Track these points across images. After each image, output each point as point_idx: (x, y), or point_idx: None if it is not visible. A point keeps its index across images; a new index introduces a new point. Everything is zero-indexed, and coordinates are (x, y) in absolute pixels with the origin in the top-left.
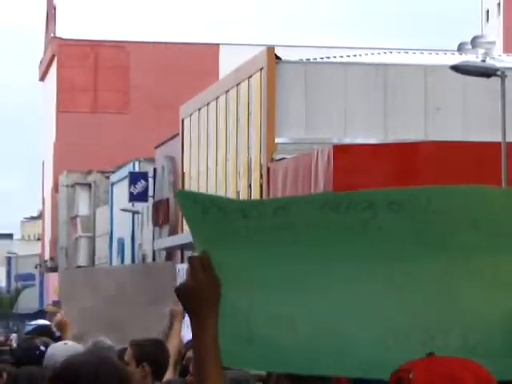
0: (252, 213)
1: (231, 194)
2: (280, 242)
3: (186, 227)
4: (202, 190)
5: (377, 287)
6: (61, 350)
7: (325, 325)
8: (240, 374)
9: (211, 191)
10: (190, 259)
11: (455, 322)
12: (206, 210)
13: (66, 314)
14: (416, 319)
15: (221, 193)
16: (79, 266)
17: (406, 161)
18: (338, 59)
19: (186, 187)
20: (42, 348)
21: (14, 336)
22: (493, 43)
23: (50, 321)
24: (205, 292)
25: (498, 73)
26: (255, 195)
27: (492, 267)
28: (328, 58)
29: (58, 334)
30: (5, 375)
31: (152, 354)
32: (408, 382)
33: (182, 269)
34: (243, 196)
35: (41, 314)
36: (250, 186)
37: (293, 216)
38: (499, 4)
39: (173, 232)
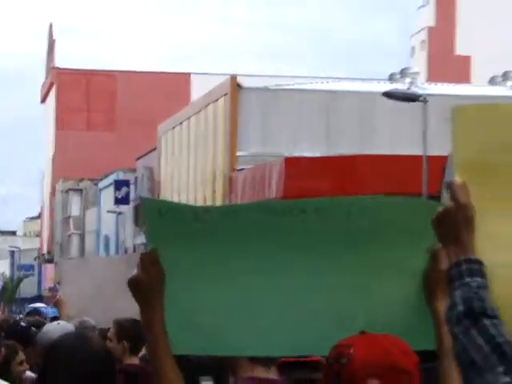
0: (203, 217)
1: (200, 199)
2: (222, 242)
3: None
4: (175, 195)
5: (302, 277)
6: (54, 328)
7: (256, 311)
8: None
9: (183, 196)
10: (141, 255)
11: (361, 308)
12: (162, 213)
13: (63, 295)
14: (331, 305)
15: (191, 197)
16: (71, 258)
17: (344, 171)
18: (289, 86)
19: (162, 193)
20: (23, 324)
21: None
22: (417, 74)
23: (46, 304)
24: (151, 284)
25: (421, 98)
26: (220, 199)
27: (395, 260)
28: (280, 85)
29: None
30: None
31: (131, 331)
32: (348, 356)
33: None
34: (210, 199)
35: (39, 298)
36: (214, 191)
37: (235, 220)
38: (423, 41)
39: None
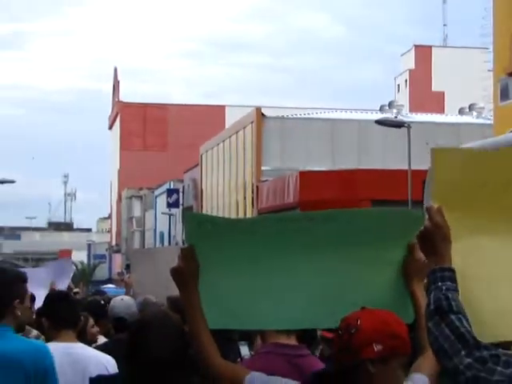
0: (230, 224)
1: (233, 203)
2: (247, 240)
3: None
4: (214, 201)
5: (313, 268)
6: (119, 303)
7: (277, 294)
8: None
9: (220, 201)
10: (181, 250)
11: (358, 290)
12: (200, 223)
13: (131, 277)
14: (336, 289)
15: (226, 201)
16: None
17: (346, 181)
18: (301, 116)
19: (204, 198)
20: (98, 299)
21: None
22: (402, 106)
23: (115, 285)
24: (188, 272)
25: (405, 125)
26: (249, 203)
27: (381, 255)
28: (294, 115)
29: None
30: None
31: (181, 306)
32: (356, 326)
33: None
34: (240, 204)
35: (109, 280)
36: (244, 197)
37: (258, 223)
38: (406, 80)
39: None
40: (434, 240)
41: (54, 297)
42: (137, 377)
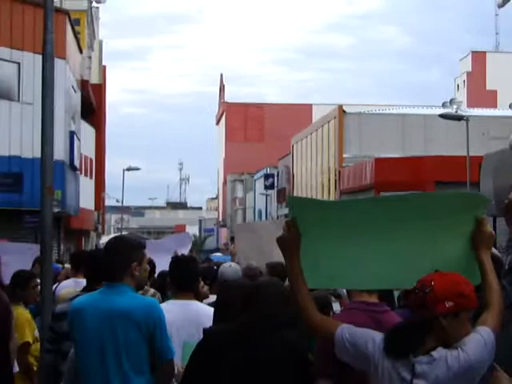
0: (322, 204)
1: (319, 186)
2: (339, 216)
3: None
4: (303, 184)
5: (395, 239)
6: (227, 270)
7: (364, 259)
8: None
9: (308, 183)
10: (286, 222)
11: (433, 257)
12: (301, 203)
13: (235, 247)
14: (414, 256)
15: (313, 183)
16: (241, 224)
17: (414, 166)
18: (376, 111)
19: (294, 182)
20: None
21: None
22: (461, 102)
23: (221, 253)
24: (291, 240)
25: (464, 118)
26: (332, 186)
27: (453, 226)
28: (370, 111)
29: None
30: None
31: (278, 271)
32: (430, 286)
33: None
34: (325, 186)
35: (217, 250)
36: (329, 180)
37: (347, 204)
38: (464, 81)
39: (288, 205)
40: None
41: (178, 262)
42: (248, 330)
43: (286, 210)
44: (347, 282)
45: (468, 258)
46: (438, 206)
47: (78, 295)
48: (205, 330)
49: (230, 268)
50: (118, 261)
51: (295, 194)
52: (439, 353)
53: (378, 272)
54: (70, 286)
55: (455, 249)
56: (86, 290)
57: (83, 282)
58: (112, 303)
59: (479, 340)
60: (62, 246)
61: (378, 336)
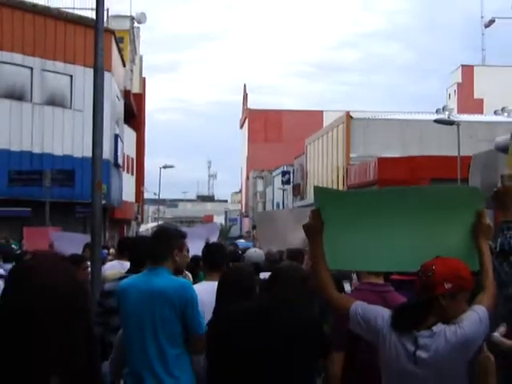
0: (344, 195)
1: (329, 182)
2: (356, 206)
3: (308, 196)
4: (315, 180)
5: (403, 227)
6: (251, 254)
7: (375, 245)
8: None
9: (320, 179)
10: (311, 212)
11: (436, 244)
12: (324, 194)
13: (256, 233)
14: (419, 243)
15: (324, 179)
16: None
17: (411, 165)
18: (378, 117)
19: (308, 178)
20: (239, 252)
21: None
22: (452, 109)
23: (244, 240)
24: (315, 227)
25: (456, 123)
26: (340, 182)
27: (455, 217)
28: (374, 117)
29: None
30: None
31: (298, 256)
32: (432, 270)
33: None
34: (334, 182)
35: (240, 237)
36: (337, 177)
37: (364, 195)
38: (455, 90)
39: (302, 198)
40: (503, 198)
41: (209, 247)
42: (268, 307)
43: (300, 203)
44: (362, 263)
45: (468, 246)
46: (443, 198)
47: (124, 276)
48: (227, 308)
49: (255, 253)
50: (161, 247)
51: (307, 190)
52: (439, 328)
53: (387, 256)
54: (115, 267)
55: (457, 238)
56: (129, 271)
57: (127, 264)
58: (151, 284)
59: (475, 317)
60: (107, 234)
61: (386, 313)
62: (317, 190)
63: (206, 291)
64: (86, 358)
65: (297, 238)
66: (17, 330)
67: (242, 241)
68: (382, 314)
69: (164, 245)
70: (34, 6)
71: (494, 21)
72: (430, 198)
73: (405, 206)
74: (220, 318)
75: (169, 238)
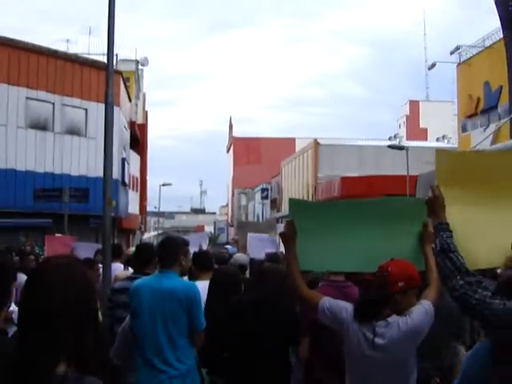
0: (319, 206)
1: (300, 197)
2: (327, 215)
3: (284, 208)
4: (290, 195)
5: (364, 234)
6: (241, 257)
7: (341, 250)
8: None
9: (292, 195)
10: (286, 222)
11: (389, 248)
12: (298, 205)
13: (239, 240)
14: (376, 248)
15: (296, 196)
16: (243, 223)
17: (369, 183)
18: (341, 143)
19: (283, 194)
20: (228, 255)
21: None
22: (402, 136)
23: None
24: (289, 235)
25: (405, 148)
26: (309, 198)
27: (404, 225)
28: (337, 143)
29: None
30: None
31: (273, 260)
32: (387, 271)
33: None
34: (305, 196)
35: (227, 243)
36: (307, 193)
37: (333, 206)
38: (404, 121)
39: (278, 211)
40: (435, 205)
41: (200, 254)
42: (257, 300)
43: (277, 214)
44: (328, 265)
45: (416, 249)
46: (395, 208)
47: (133, 277)
48: (233, 298)
49: (241, 256)
50: (169, 254)
51: (283, 204)
52: (393, 319)
53: (350, 258)
54: (119, 269)
55: (407, 242)
56: (136, 272)
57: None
58: (162, 284)
59: (422, 310)
60: (115, 241)
61: (349, 306)
62: (291, 202)
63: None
64: (92, 346)
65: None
66: (34, 322)
67: (229, 246)
68: (346, 307)
69: (172, 252)
70: (56, 52)
71: (435, 64)
72: (384, 208)
73: (364, 215)
74: (227, 308)
75: (176, 246)
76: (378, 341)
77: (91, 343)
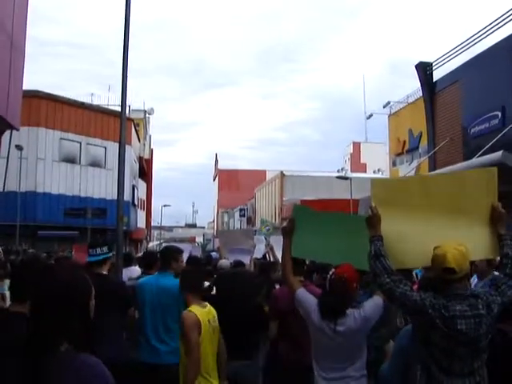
0: (313, 213)
1: (269, 216)
2: (317, 223)
3: (257, 224)
4: (261, 214)
5: (349, 242)
6: (223, 262)
7: (327, 245)
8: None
9: (263, 214)
10: (289, 219)
11: (359, 252)
12: (299, 210)
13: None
14: (352, 252)
15: (265, 215)
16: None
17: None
18: (301, 174)
19: (256, 213)
20: (214, 258)
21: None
22: (347, 169)
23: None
24: (289, 229)
25: (349, 178)
26: (277, 216)
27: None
28: (298, 174)
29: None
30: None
31: (266, 268)
32: (344, 277)
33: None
34: (273, 215)
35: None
36: (275, 213)
37: (324, 216)
38: (349, 158)
39: (253, 226)
40: (373, 221)
41: (189, 259)
42: (232, 296)
43: (252, 229)
44: (313, 256)
45: (363, 253)
46: (357, 222)
47: (141, 276)
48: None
49: (225, 262)
50: (165, 259)
51: (256, 221)
52: (350, 311)
53: (331, 253)
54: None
55: (356, 249)
56: (143, 273)
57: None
58: (160, 282)
59: (372, 303)
60: (127, 249)
61: (314, 300)
62: (296, 206)
63: None
64: (82, 328)
65: (244, 244)
66: (40, 309)
67: (215, 253)
68: (313, 300)
69: (167, 257)
70: (83, 103)
71: (372, 115)
72: (356, 220)
73: (344, 223)
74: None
75: (168, 254)
76: (339, 328)
77: (82, 330)
